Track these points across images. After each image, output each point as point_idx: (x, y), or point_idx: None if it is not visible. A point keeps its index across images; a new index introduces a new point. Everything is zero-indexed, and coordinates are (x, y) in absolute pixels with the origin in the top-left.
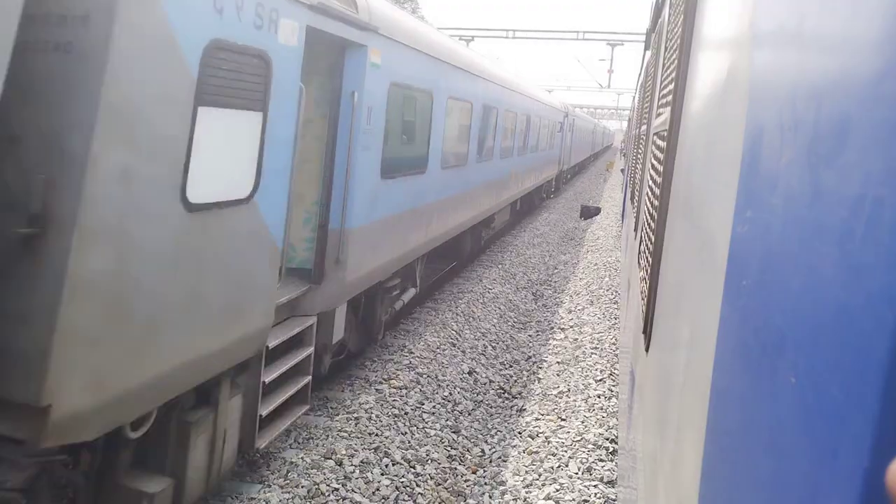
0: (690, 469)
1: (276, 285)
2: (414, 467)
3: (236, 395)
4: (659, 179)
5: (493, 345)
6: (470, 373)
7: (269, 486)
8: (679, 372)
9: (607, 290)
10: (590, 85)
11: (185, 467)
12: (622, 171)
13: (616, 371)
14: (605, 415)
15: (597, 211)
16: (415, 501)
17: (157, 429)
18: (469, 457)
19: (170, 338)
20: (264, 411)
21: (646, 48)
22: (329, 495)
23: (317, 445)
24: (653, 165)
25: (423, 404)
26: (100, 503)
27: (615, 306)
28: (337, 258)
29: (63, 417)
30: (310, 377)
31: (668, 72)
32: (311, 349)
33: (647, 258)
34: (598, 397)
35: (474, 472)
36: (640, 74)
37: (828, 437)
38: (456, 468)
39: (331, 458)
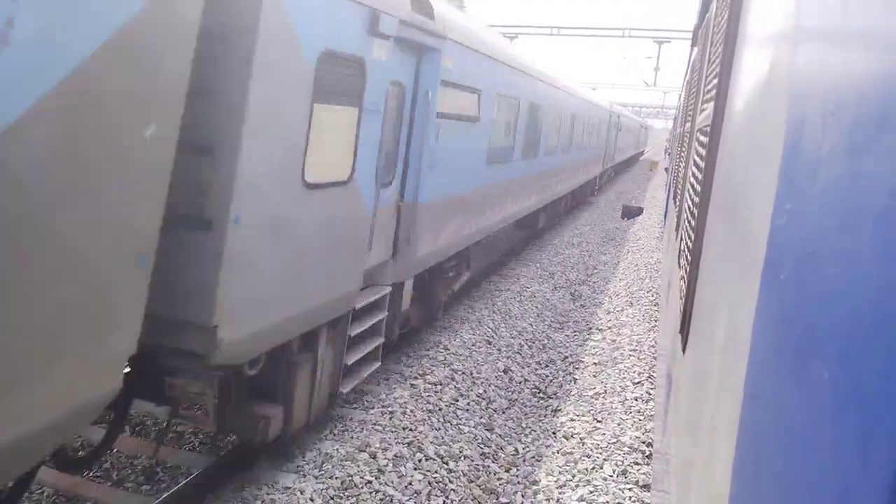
0: (722, 471)
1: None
2: (447, 463)
3: (329, 345)
4: (701, 176)
5: (530, 344)
6: (505, 371)
7: (305, 476)
8: (714, 372)
9: (648, 292)
10: (635, 83)
11: (292, 398)
12: (666, 170)
13: (654, 374)
14: (642, 418)
15: (639, 211)
16: (447, 497)
17: (268, 368)
18: (502, 455)
19: (292, 291)
20: (349, 361)
21: (692, 45)
22: (362, 488)
23: (352, 438)
24: (695, 162)
25: (457, 401)
26: (227, 421)
27: (655, 308)
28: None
29: (226, 338)
30: (383, 339)
31: (713, 67)
32: (384, 313)
33: (686, 256)
34: (636, 400)
35: (507, 471)
36: (686, 72)
37: (861, 434)
38: (489, 466)
39: (365, 451)
